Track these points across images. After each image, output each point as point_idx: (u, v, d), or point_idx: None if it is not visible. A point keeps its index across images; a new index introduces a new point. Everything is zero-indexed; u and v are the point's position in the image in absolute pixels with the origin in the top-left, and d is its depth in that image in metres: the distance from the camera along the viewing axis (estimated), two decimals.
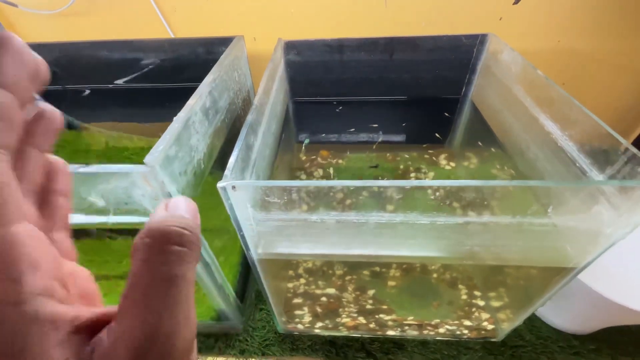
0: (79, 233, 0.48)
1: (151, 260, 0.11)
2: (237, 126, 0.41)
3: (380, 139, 0.62)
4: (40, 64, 0.12)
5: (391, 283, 0.40)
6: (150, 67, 0.57)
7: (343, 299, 0.41)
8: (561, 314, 0.45)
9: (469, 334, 0.43)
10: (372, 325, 0.44)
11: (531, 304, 0.37)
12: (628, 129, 0.69)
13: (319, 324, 0.45)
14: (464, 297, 0.40)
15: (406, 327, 0.44)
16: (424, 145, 0.62)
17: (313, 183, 0.25)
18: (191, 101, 0.34)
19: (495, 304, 0.41)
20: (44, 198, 0.14)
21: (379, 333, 0.44)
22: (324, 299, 0.41)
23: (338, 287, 0.40)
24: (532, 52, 0.60)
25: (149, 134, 0.60)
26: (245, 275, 0.52)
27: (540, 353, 0.42)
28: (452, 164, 0.62)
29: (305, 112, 0.63)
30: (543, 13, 0.57)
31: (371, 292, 0.40)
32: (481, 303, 0.41)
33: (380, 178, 0.59)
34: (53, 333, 0.10)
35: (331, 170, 0.61)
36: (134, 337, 0.10)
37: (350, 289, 0.40)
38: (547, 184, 0.26)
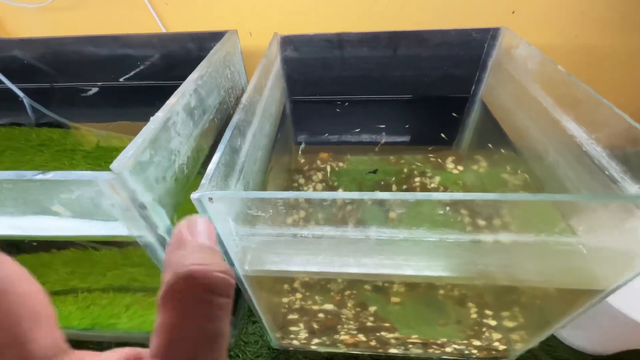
0: (60, 244, 0.45)
1: (196, 315, 0.09)
2: None
3: (383, 141, 0.59)
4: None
5: (394, 299, 0.36)
6: (142, 64, 0.54)
7: (342, 315, 0.38)
8: (580, 333, 0.41)
9: (478, 354, 0.40)
10: (372, 343, 0.40)
11: (549, 326, 0.33)
12: None
13: (316, 341, 0.42)
14: (474, 315, 0.36)
15: (410, 345, 0.40)
16: (430, 148, 0.58)
17: (302, 195, 0.22)
18: (172, 100, 0.30)
19: (509, 324, 0.37)
20: None
21: (380, 351, 0.41)
22: (321, 315, 0.38)
23: (337, 303, 0.37)
24: (546, 48, 0.56)
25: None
26: (237, 285, 0.49)
27: None
28: (460, 168, 0.58)
29: (304, 112, 0.59)
30: (559, 6, 0.53)
31: (372, 309, 0.37)
32: (492, 323, 0.38)
33: (382, 183, 0.56)
34: None
35: (328, 169, 0.57)
36: None
37: (349, 304, 0.37)
38: (581, 198, 0.22)
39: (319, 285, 0.41)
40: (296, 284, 0.42)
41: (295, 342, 0.42)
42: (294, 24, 0.58)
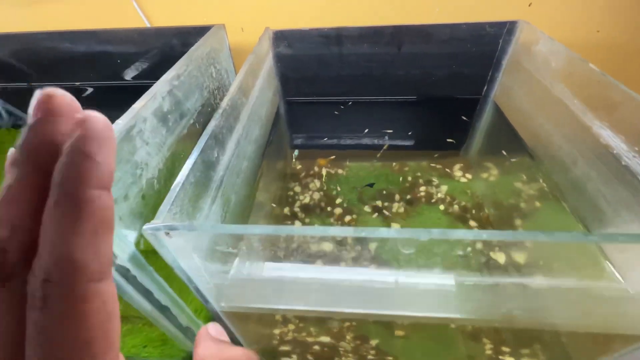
0: None
1: None
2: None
3: (385, 146, 0.54)
4: None
5: (398, 332, 0.32)
6: (123, 61, 0.49)
7: (340, 348, 0.33)
8: None
9: None
10: None
11: None
12: None
13: None
14: (489, 352, 0.32)
15: None
16: (436, 155, 0.54)
17: (280, 230, 0.17)
18: (138, 104, 0.26)
19: None
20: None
21: None
22: (316, 347, 0.34)
23: (334, 335, 0.32)
24: (564, 43, 0.51)
25: None
26: None
27: None
28: (468, 176, 0.53)
29: (300, 114, 0.55)
30: None
31: (374, 342, 0.33)
32: None
33: (384, 192, 0.51)
34: None
35: (324, 173, 0.53)
36: None
37: (348, 337, 0.33)
38: None
39: (314, 316, 0.37)
40: (289, 314, 0.37)
41: None
42: (290, 18, 0.53)
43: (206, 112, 0.39)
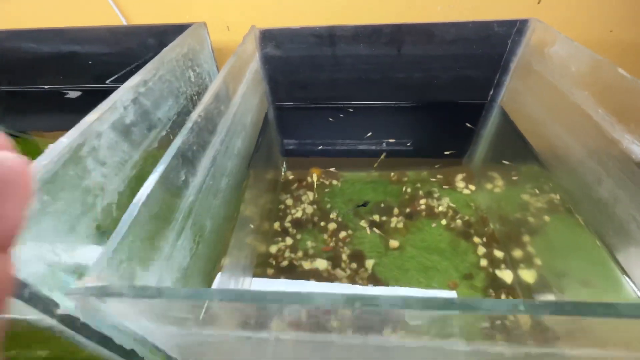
0: None
1: None
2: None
3: (383, 155, 0.50)
4: None
5: None
6: (91, 62, 0.45)
7: None
8: None
9: None
10: None
11: None
12: None
13: None
14: None
15: None
16: (437, 166, 0.50)
17: (246, 297, 0.13)
18: (89, 118, 0.22)
19: None
20: None
21: None
22: None
23: None
24: None
25: None
26: None
27: None
28: (472, 187, 0.49)
29: (291, 121, 0.51)
30: None
31: None
32: None
33: (382, 205, 0.47)
34: None
35: (315, 184, 0.49)
36: None
37: None
38: None
39: None
40: None
41: None
42: (280, 16, 0.49)
43: (182, 122, 0.35)
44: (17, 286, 0.17)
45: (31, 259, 0.17)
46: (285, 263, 0.43)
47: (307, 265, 0.43)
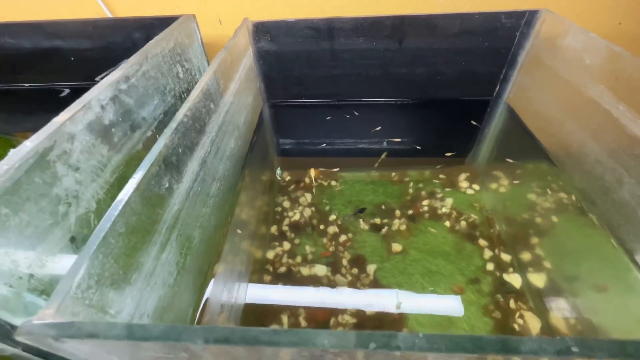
0: None
1: None
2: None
3: (384, 154, 0.48)
4: None
5: None
6: (73, 58, 0.42)
7: None
8: None
9: None
10: None
11: None
12: None
13: None
14: None
15: None
16: (439, 166, 0.48)
17: (230, 334, 0.11)
18: (59, 118, 0.19)
19: None
20: None
21: None
22: None
23: None
24: None
25: None
26: None
27: None
28: (476, 187, 0.47)
29: (287, 119, 0.48)
30: None
31: None
32: None
33: (383, 207, 0.45)
34: None
35: (313, 185, 0.47)
36: None
37: None
38: None
39: None
40: None
41: None
42: (276, 8, 0.46)
43: (170, 121, 0.33)
44: None
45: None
46: (283, 269, 0.41)
47: (305, 271, 0.41)
